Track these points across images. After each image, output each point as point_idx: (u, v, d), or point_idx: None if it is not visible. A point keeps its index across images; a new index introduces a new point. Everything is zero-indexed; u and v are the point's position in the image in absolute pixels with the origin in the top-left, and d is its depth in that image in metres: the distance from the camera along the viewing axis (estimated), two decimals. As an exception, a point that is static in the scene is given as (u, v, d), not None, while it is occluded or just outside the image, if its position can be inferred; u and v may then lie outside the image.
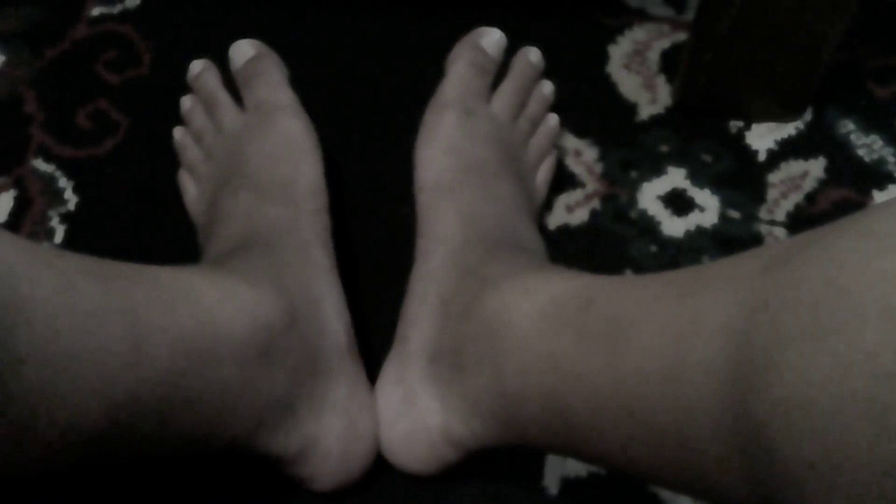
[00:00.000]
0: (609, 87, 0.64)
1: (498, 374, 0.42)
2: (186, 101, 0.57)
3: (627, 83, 0.64)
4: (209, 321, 0.40)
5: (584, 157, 0.62)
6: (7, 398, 0.29)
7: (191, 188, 0.57)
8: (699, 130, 0.62)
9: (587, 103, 0.64)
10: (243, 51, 0.56)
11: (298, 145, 0.52)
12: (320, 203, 0.51)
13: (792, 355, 0.24)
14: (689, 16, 0.67)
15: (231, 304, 0.42)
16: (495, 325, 0.42)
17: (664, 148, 0.62)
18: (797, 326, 0.25)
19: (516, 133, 0.56)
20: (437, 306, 0.48)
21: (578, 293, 0.39)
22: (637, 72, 0.65)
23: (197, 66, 0.57)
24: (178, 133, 0.58)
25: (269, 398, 0.43)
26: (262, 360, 0.43)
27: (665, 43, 0.66)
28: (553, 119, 0.59)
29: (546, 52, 0.63)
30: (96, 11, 0.67)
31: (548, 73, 0.62)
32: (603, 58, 0.65)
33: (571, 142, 0.62)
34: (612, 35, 0.66)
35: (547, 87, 0.58)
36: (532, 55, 0.57)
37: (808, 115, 0.63)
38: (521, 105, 0.57)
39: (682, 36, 0.66)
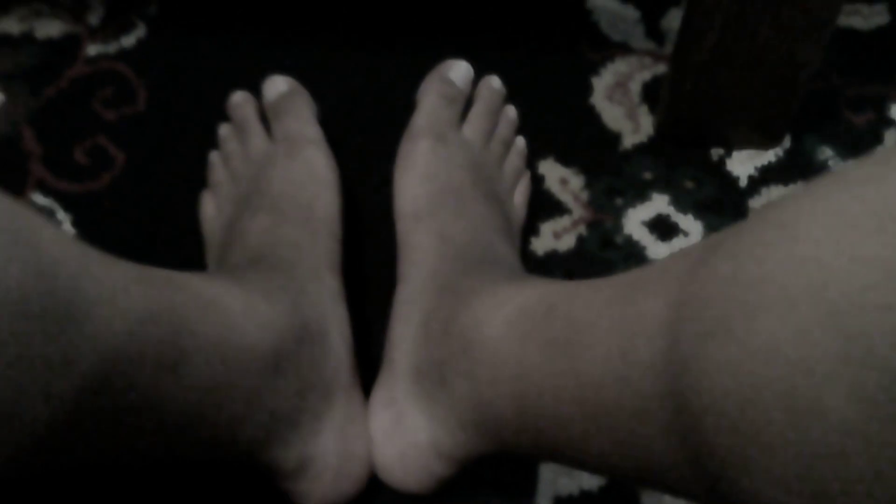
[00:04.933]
0: (593, 117, 0.66)
1: (473, 384, 0.43)
2: (224, 128, 0.60)
3: (611, 113, 0.66)
4: (234, 331, 0.41)
5: (570, 185, 0.63)
6: (64, 392, 0.29)
7: (210, 207, 0.58)
8: (682, 158, 0.64)
9: (572, 133, 0.66)
10: (277, 86, 0.59)
11: (320, 176, 0.55)
12: (335, 232, 0.54)
13: (711, 348, 0.26)
14: (670, 49, 0.69)
15: (250, 317, 0.43)
16: (469, 337, 0.44)
17: (648, 175, 0.64)
18: (713, 320, 0.26)
19: (490, 156, 0.58)
20: (418, 326, 0.50)
21: (542, 299, 0.41)
22: (620, 102, 0.67)
23: (238, 97, 0.60)
24: (212, 156, 0.60)
25: (279, 411, 0.45)
26: (275, 373, 0.44)
27: (646, 75, 0.68)
28: (521, 141, 0.61)
29: (532, 85, 0.65)
30: (93, 51, 0.69)
31: (533, 104, 0.64)
32: (587, 89, 0.67)
33: (557, 170, 0.64)
34: (594, 67, 0.68)
35: (511, 111, 0.61)
36: (494, 82, 0.60)
37: (787, 143, 0.65)
38: (491, 130, 0.59)
39: (662, 68, 0.68)
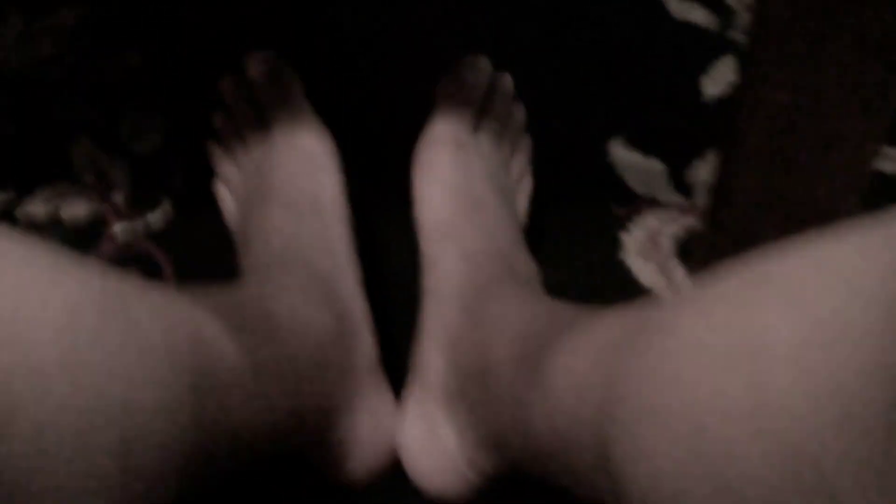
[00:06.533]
0: (624, 273, 0.65)
1: (487, 411, 0.48)
2: (218, 118, 0.61)
3: (643, 269, 0.65)
4: (289, 338, 0.46)
5: (607, 345, 0.62)
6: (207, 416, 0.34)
7: (228, 199, 0.60)
8: (719, 312, 0.63)
9: (605, 291, 0.64)
10: (259, 65, 0.59)
11: (319, 162, 0.56)
12: (343, 215, 0.56)
13: (619, 441, 0.30)
14: (698, 200, 0.68)
15: (298, 323, 0.47)
16: (483, 368, 0.48)
17: (686, 331, 0.62)
18: (619, 420, 0.30)
19: (501, 157, 0.60)
20: (447, 346, 0.52)
21: (543, 336, 0.44)
22: (650, 258, 0.66)
23: (226, 84, 0.60)
24: (213, 148, 0.61)
25: (324, 400, 0.49)
26: (319, 371, 0.48)
27: (676, 227, 0.67)
28: (527, 140, 0.62)
29: (559, 244, 0.64)
30: (119, 229, 0.69)
31: (562, 263, 0.63)
32: (616, 245, 0.67)
33: (594, 330, 0.62)
34: (622, 223, 0.68)
35: (519, 112, 0.62)
36: (506, 84, 0.61)
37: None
38: (502, 131, 0.60)
39: (691, 220, 0.67)
